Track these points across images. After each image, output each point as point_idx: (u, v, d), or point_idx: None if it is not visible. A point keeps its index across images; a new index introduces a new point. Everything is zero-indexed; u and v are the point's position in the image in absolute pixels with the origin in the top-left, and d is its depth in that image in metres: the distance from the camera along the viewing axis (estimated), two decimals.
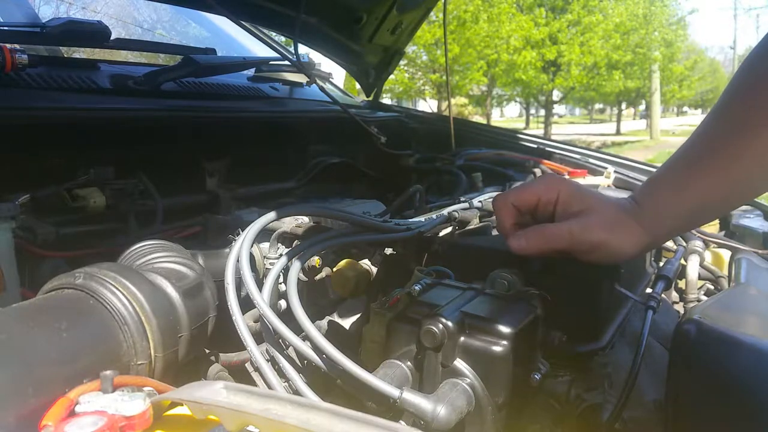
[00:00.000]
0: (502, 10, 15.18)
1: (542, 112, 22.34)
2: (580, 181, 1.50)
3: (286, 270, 0.69)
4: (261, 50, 1.73)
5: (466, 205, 1.06)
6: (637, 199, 0.69)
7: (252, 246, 0.71)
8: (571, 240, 0.64)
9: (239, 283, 0.64)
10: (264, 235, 0.79)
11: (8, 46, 0.99)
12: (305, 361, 0.66)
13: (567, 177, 1.56)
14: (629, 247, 0.65)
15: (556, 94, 19.99)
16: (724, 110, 0.67)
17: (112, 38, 1.23)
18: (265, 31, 1.75)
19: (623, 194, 1.02)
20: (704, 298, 0.96)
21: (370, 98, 1.99)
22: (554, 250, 0.65)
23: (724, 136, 0.65)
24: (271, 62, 1.60)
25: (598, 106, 35.81)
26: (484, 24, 15.09)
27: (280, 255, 0.81)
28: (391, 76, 2.13)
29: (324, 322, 0.85)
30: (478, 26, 15.03)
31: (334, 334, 0.82)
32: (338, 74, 2.06)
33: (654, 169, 1.64)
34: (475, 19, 15.08)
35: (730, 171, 0.64)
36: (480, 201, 1.11)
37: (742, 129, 0.63)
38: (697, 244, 1.00)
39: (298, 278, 0.68)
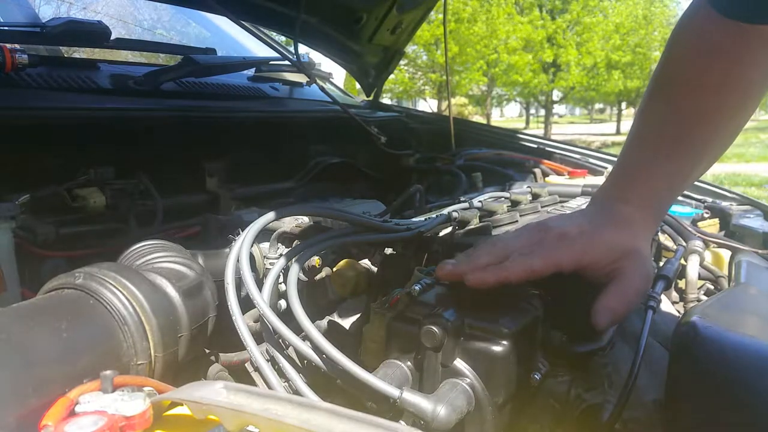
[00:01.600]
0: (500, 12, 15.18)
1: (542, 111, 22.34)
2: (580, 180, 1.50)
3: (286, 270, 0.69)
4: (261, 50, 1.73)
5: (466, 205, 1.06)
6: (629, 200, 0.69)
7: (252, 246, 0.71)
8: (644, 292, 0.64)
9: (239, 283, 0.64)
10: (264, 235, 0.79)
11: (8, 46, 0.99)
12: (305, 361, 0.66)
13: (566, 179, 1.56)
14: (648, 248, 0.68)
15: (556, 94, 19.99)
16: (673, 103, 0.73)
17: (112, 38, 1.23)
18: (265, 31, 1.75)
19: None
20: (704, 298, 0.96)
21: (370, 98, 1.99)
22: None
23: (687, 130, 0.70)
24: (271, 62, 1.60)
25: (598, 106, 35.78)
26: (482, 25, 15.09)
27: (280, 255, 0.81)
28: (391, 76, 2.13)
29: (324, 322, 0.85)
30: (476, 27, 15.03)
31: (334, 334, 0.82)
32: (338, 74, 2.06)
33: None
34: (473, 19, 15.08)
35: (704, 156, 0.72)
36: (480, 201, 1.11)
37: (700, 121, 0.70)
38: (697, 244, 1.00)
39: (298, 278, 0.68)
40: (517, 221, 0.95)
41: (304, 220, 0.88)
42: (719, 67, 0.69)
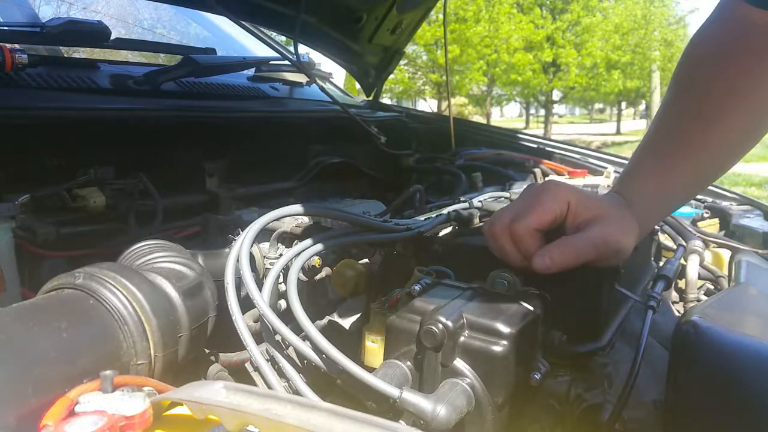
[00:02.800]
0: (502, 10, 15.19)
1: (542, 111, 22.34)
2: (580, 180, 1.50)
3: (286, 270, 0.69)
4: (261, 50, 1.73)
5: (466, 205, 1.06)
6: (623, 194, 0.71)
7: (252, 246, 0.71)
8: (596, 252, 0.63)
9: (239, 283, 0.64)
10: (264, 235, 0.79)
11: (8, 45, 0.99)
12: (305, 361, 0.66)
13: (566, 179, 1.56)
14: (632, 243, 0.67)
15: (556, 94, 19.99)
16: (678, 103, 0.73)
17: (112, 38, 1.23)
18: (265, 30, 1.75)
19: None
20: (704, 298, 0.96)
21: (370, 98, 1.99)
22: (579, 264, 0.63)
23: (684, 130, 0.71)
24: (271, 62, 1.60)
25: (598, 106, 35.81)
26: (484, 24, 15.09)
27: (280, 255, 0.81)
28: (391, 76, 2.13)
29: (324, 322, 0.85)
30: (479, 26, 15.03)
31: (334, 334, 0.82)
32: (338, 74, 2.06)
33: None
34: (476, 18, 15.08)
35: (699, 158, 0.71)
36: (480, 201, 1.11)
37: (697, 121, 0.70)
38: (697, 244, 1.00)
39: (298, 278, 0.68)
40: None
41: (304, 220, 0.88)
42: (731, 72, 0.68)
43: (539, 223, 0.64)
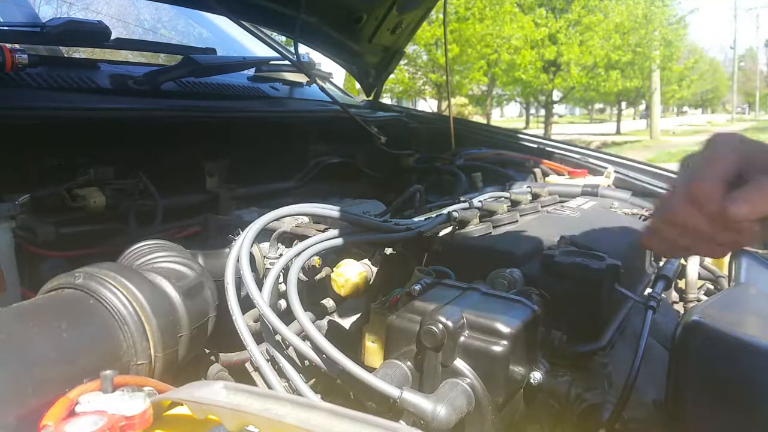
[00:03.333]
0: (506, 9, 15.16)
1: (542, 111, 22.33)
2: (580, 180, 1.50)
3: (286, 270, 0.69)
4: (261, 50, 1.73)
5: (466, 205, 1.06)
6: None
7: (252, 246, 0.71)
8: None
9: (239, 283, 0.64)
10: (264, 235, 0.79)
11: (8, 46, 0.99)
12: (305, 361, 0.66)
13: (566, 179, 1.56)
14: None
15: (556, 94, 19.98)
16: None
17: (112, 38, 1.23)
18: (265, 30, 1.75)
19: (623, 194, 1.02)
20: (704, 298, 0.96)
21: (370, 98, 1.99)
22: None
23: None
24: (271, 62, 1.60)
25: (598, 105, 35.80)
26: (488, 22, 15.06)
27: (280, 255, 0.81)
28: (391, 76, 2.13)
29: (324, 322, 0.85)
30: (482, 25, 15.00)
31: (334, 334, 0.82)
32: (338, 74, 2.06)
33: (652, 169, 1.65)
34: (481, 17, 15.05)
35: None
36: (480, 201, 1.11)
37: None
38: None
39: (298, 278, 0.68)
40: (517, 221, 0.95)
41: (304, 220, 0.88)
42: None
43: (724, 171, 0.53)
